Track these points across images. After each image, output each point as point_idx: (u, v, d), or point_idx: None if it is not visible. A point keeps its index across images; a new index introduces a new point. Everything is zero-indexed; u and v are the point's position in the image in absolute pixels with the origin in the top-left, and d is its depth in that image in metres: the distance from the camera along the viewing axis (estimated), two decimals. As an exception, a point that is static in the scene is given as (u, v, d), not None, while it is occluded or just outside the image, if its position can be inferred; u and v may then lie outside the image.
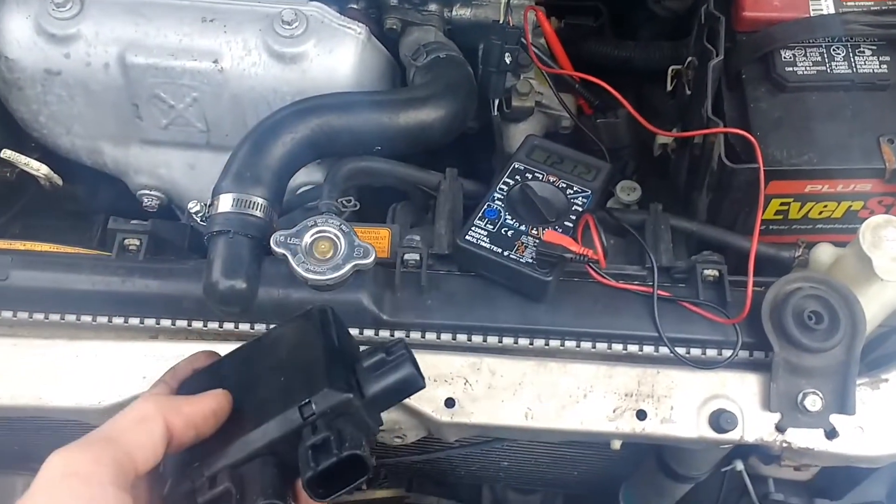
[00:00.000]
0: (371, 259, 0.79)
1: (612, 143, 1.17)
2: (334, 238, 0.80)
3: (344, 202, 0.86)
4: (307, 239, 0.80)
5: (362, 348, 0.68)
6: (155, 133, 1.08)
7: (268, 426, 0.59)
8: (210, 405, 0.61)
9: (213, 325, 0.85)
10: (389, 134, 0.91)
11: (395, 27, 1.09)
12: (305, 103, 0.90)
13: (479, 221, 0.86)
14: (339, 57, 1.01)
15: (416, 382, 0.64)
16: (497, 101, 1.05)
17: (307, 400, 0.59)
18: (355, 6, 1.10)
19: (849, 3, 0.91)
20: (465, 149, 1.14)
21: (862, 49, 0.88)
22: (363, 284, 0.83)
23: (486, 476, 1.34)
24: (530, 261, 0.83)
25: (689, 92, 0.99)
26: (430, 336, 0.85)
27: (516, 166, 0.92)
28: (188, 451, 0.60)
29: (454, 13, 1.11)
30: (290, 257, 0.79)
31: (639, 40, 1.24)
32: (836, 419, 0.81)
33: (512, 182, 0.90)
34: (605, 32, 1.26)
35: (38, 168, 1.04)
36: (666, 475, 1.01)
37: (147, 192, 1.14)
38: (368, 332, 0.85)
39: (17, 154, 1.04)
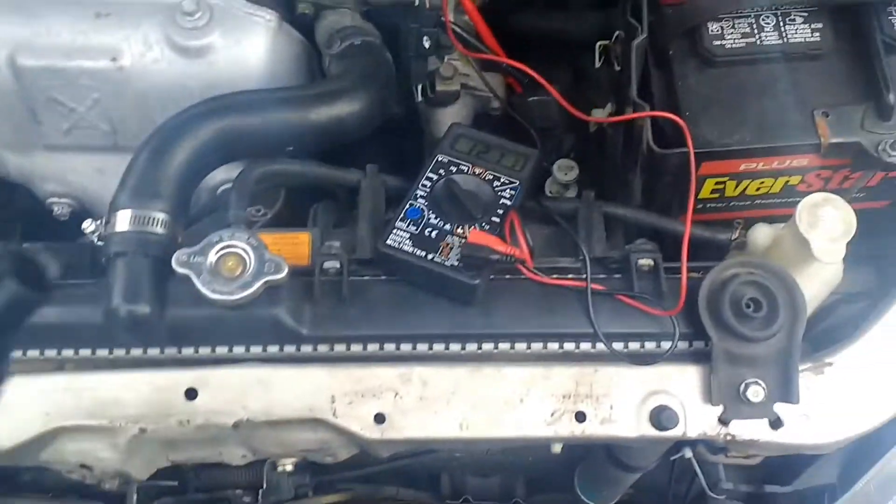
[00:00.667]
0: (283, 274, 0.74)
1: (545, 121, 1.12)
2: (242, 253, 0.75)
3: (254, 212, 0.80)
4: (212, 257, 0.74)
5: None
6: (57, 138, 1.01)
7: None
8: None
9: (120, 353, 0.79)
10: (300, 132, 0.85)
11: (307, 11, 1.02)
12: (207, 105, 0.84)
13: (400, 223, 0.81)
14: (249, 47, 0.95)
15: None
16: (420, 87, 0.99)
17: None
18: (264, -9, 1.02)
19: (779, -33, 0.86)
20: (392, 136, 1.08)
21: (793, 17, 0.84)
22: (279, 298, 0.78)
23: (442, 466, 1.31)
24: (456, 263, 0.78)
25: (618, 68, 0.95)
26: (356, 348, 0.80)
27: (440, 159, 0.87)
28: None
29: (370, -7, 1.04)
30: (194, 277, 0.73)
31: (570, 10, 1.18)
32: (780, 408, 0.78)
33: (435, 177, 0.85)
34: (535, 3, 1.20)
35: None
36: (615, 466, 0.99)
37: (56, 199, 1.08)
38: (290, 349, 0.80)
39: None
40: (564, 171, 1.04)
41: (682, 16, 0.84)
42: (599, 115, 1.04)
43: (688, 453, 0.92)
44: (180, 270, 0.73)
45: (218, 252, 0.74)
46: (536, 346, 0.81)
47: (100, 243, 0.79)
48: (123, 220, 0.77)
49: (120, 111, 0.98)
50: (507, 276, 0.83)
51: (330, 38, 0.98)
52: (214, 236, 0.75)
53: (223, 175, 0.97)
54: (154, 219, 0.77)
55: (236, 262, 0.74)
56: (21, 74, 0.95)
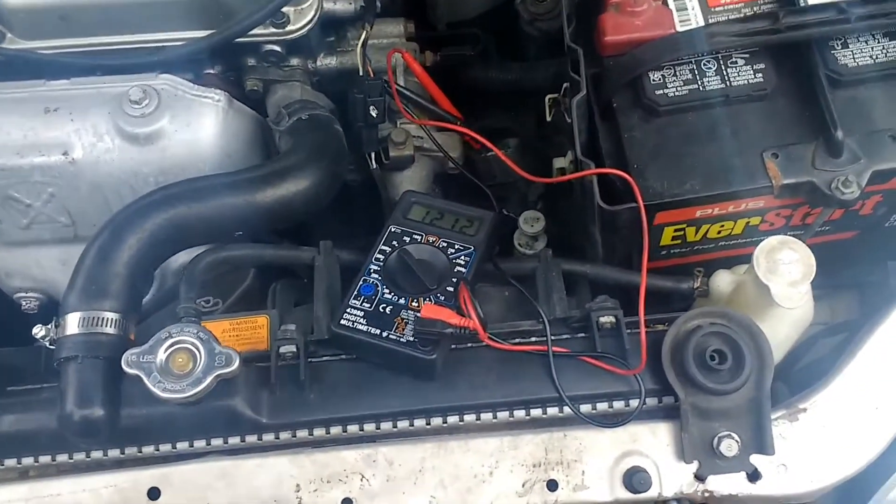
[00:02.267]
0: (234, 367, 0.73)
1: (507, 175, 1.11)
2: (192, 347, 0.73)
3: (203, 303, 0.79)
4: (161, 355, 0.73)
5: None
6: (17, 234, 1.01)
7: None
8: None
9: (80, 457, 0.78)
10: (247, 216, 0.84)
11: (256, 87, 1.02)
12: (149, 198, 0.83)
13: (354, 301, 0.80)
14: (199, 129, 0.95)
15: None
16: (374, 154, 0.99)
17: None
18: (211, 71, 1.02)
19: (718, 9, 0.86)
20: (352, 202, 1.08)
21: (734, 59, 0.83)
22: (235, 389, 0.77)
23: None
24: (411, 339, 0.77)
25: (568, 120, 0.94)
26: (319, 432, 0.78)
27: (393, 230, 0.86)
28: None
29: (319, 64, 1.04)
30: (144, 378, 0.72)
31: (524, 61, 1.18)
32: (756, 459, 0.76)
33: (388, 249, 0.84)
34: (488, 58, 1.20)
35: None
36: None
37: (24, 294, 1.07)
38: (251, 439, 0.78)
39: None
40: (531, 223, 1.03)
41: (624, 67, 0.83)
42: (560, 163, 1.03)
43: (673, 506, 0.90)
44: (130, 371, 0.72)
45: (167, 349, 0.73)
46: (503, 415, 0.79)
47: (51, 347, 0.78)
48: (73, 323, 0.76)
49: (76, 203, 0.98)
50: (469, 345, 0.81)
51: (278, 114, 0.97)
52: (163, 333, 0.74)
53: (186, 257, 0.96)
54: (103, 319, 0.76)
55: (186, 357, 0.73)
56: (-24, 175, 0.95)
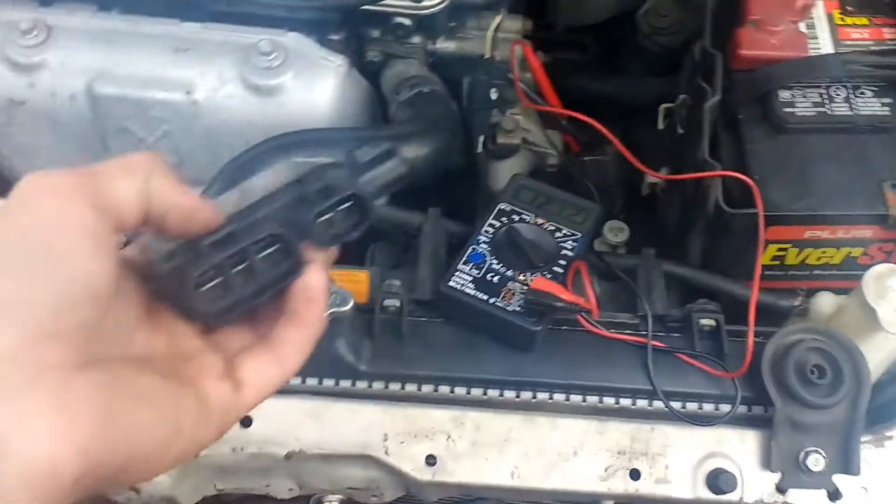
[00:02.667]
0: (349, 306, 0.74)
1: (599, 181, 1.12)
2: (309, 283, 0.75)
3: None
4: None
5: None
6: (123, 166, 1.03)
7: (271, 198, 0.51)
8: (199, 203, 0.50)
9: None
10: (368, 172, 0.86)
11: (376, 59, 1.05)
12: (279, 140, 0.86)
13: (463, 266, 0.82)
14: (319, 90, 0.97)
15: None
16: (482, 138, 1.01)
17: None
18: (335, 37, 1.05)
19: (847, 42, 0.88)
20: (446, 187, 1.09)
21: (862, 90, 0.85)
22: (339, 332, 0.78)
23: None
24: (518, 309, 0.78)
25: (681, 131, 0.96)
26: (411, 388, 0.80)
27: (502, 207, 0.88)
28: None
29: (438, 46, 1.07)
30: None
31: (628, 76, 1.20)
32: (839, 479, 0.76)
33: (498, 224, 0.86)
34: (592, 67, 1.22)
35: None
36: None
37: (119, 230, 1.09)
38: (345, 384, 0.79)
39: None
40: (615, 232, 1.04)
41: (755, 82, 0.85)
42: (653, 178, 1.05)
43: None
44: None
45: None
46: (592, 399, 0.80)
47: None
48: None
49: (188, 144, 1.00)
50: (565, 327, 0.82)
51: (398, 84, 1.00)
52: (283, 265, 0.75)
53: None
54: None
55: (303, 291, 0.74)
56: (97, 102, 0.97)
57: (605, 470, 0.78)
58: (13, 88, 0.96)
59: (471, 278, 0.81)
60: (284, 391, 0.79)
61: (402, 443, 0.77)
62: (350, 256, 0.99)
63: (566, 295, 0.77)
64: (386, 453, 0.77)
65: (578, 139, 1.10)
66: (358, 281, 0.86)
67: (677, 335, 0.83)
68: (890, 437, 0.79)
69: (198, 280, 0.48)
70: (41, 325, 0.39)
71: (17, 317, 0.38)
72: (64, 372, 0.39)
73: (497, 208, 0.88)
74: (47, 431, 0.37)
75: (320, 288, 0.51)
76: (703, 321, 0.81)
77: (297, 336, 0.50)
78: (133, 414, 0.41)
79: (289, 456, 0.75)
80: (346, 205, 0.52)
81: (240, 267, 0.49)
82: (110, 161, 0.47)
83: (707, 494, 0.77)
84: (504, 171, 1.07)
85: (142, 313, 0.48)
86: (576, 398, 0.80)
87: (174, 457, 0.44)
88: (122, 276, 0.45)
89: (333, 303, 0.74)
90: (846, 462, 0.76)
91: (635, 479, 0.77)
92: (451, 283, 0.80)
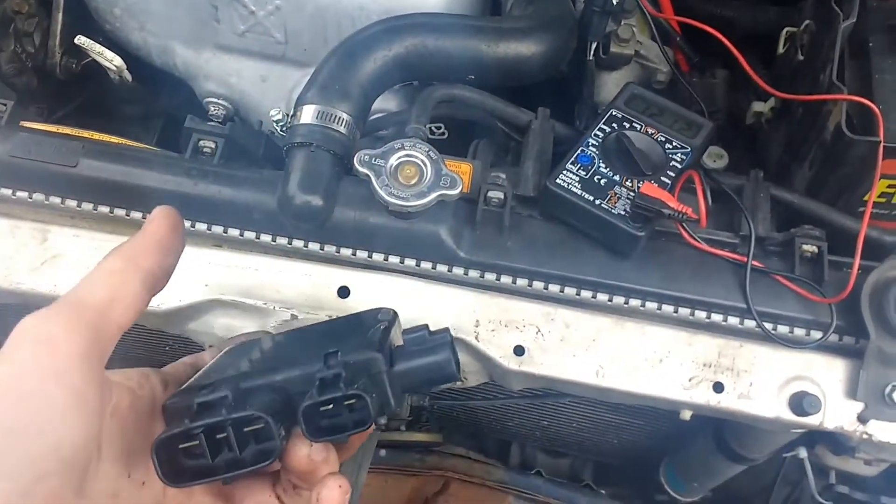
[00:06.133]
0: (458, 190, 0.75)
1: (706, 104, 1.10)
2: (421, 164, 0.76)
3: (433, 128, 0.82)
4: (393, 161, 0.75)
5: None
6: (230, 39, 1.04)
7: (287, 367, 0.54)
8: (161, 221, 0.56)
9: (282, 241, 0.81)
10: (485, 63, 0.85)
11: (493, -47, 1.03)
12: (400, 20, 0.85)
13: (571, 166, 0.82)
14: (430, -24, 0.96)
15: (448, 370, 0.56)
16: (595, 45, 0.99)
17: (335, 350, 0.54)
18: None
19: None
20: (546, 92, 1.08)
21: None
22: (443, 217, 0.79)
23: (523, 434, 1.31)
24: (623, 213, 0.78)
25: (801, 57, 0.93)
26: (506, 280, 0.81)
27: (614, 114, 0.87)
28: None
29: (558, -55, 1.04)
30: (373, 178, 0.75)
31: (744, 1, 1.16)
32: (922, 417, 0.77)
33: (608, 129, 0.85)
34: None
35: (112, 59, 1.00)
36: (723, 454, 0.98)
37: (214, 100, 1.10)
38: (441, 268, 0.81)
39: (93, 42, 1.00)
40: (714, 157, 1.02)
41: (889, 11, 0.82)
42: (759, 107, 1.03)
43: (802, 453, 0.91)
44: (361, 170, 0.75)
45: (399, 158, 0.76)
46: (684, 311, 0.81)
47: (282, 133, 0.81)
48: (309, 114, 0.79)
49: (296, 22, 1.00)
50: (663, 239, 0.83)
51: (514, -21, 0.98)
52: (396, 143, 0.76)
53: (378, 104, 0.99)
54: (338, 117, 0.79)
55: (414, 171, 0.76)
56: (210, -33, 0.98)
57: (689, 380, 0.79)
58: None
59: (578, 179, 0.81)
60: (383, 269, 0.81)
61: (493, 330, 0.79)
62: (454, 148, 1.00)
63: (674, 203, 0.76)
64: (476, 339, 0.79)
65: (690, 58, 1.08)
66: (462, 171, 0.86)
67: (776, 258, 0.82)
68: (979, 383, 0.78)
69: (168, 440, 0.49)
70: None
71: None
72: None
73: (609, 113, 0.87)
74: None
75: (335, 501, 0.51)
76: (806, 246, 0.81)
77: None
78: None
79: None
80: (351, 402, 0.51)
81: (218, 436, 0.50)
82: (91, 274, 0.51)
83: (788, 415, 0.77)
84: (611, 83, 1.05)
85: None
86: (668, 308, 0.81)
87: None
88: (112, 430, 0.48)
89: (443, 185, 0.75)
90: (933, 400, 0.76)
91: (718, 392, 0.78)
92: (558, 181, 0.80)
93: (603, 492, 1.20)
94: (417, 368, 0.56)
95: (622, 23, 1.01)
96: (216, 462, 0.51)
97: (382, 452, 1.03)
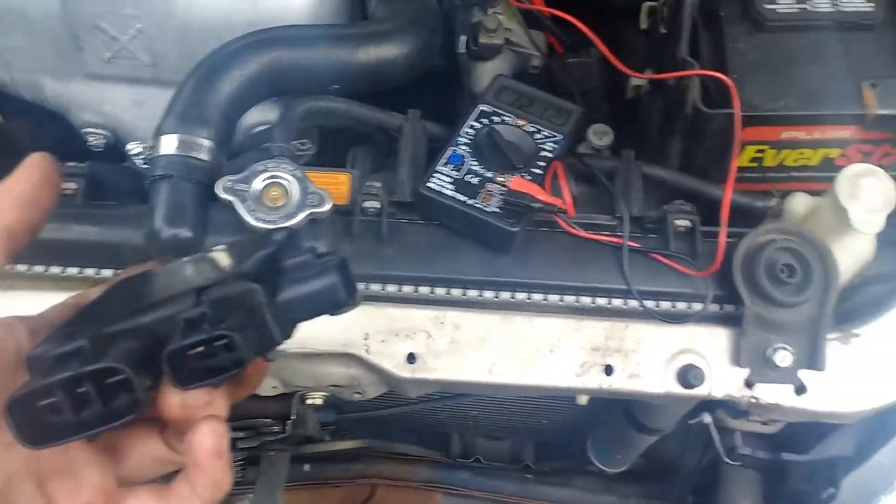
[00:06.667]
0: (327, 207, 0.75)
1: (583, 84, 1.11)
2: (287, 184, 0.75)
3: (299, 145, 0.81)
4: (257, 185, 0.75)
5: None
6: (98, 66, 1.01)
7: (154, 306, 0.48)
8: (27, 173, 0.51)
9: (159, 276, 0.79)
10: (348, 70, 0.85)
11: (354, -45, 1.02)
12: (257, 36, 0.84)
13: (442, 167, 0.82)
14: (294, -15, 0.94)
15: (337, 296, 0.51)
16: (464, 38, 0.99)
17: (206, 286, 0.48)
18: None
19: (833, -62, 0.86)
20: (427, 88, 1.08)
21: (847, -14, 0.84)
22: (319, 233, 0.79)
23: (455, 425, 1.33)
24: (496, 210, 0.79)
25: (663, 31, 0.94)
26: (391, 288, 0.81)
27: (483, 109, 0.87)
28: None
29: (418, -59, 1.04)
30: (237, 204, 0.74)
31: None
32: (805, 375, 0.79)
33: (478, 125, 0.86)
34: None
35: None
36: (633, 428, 1.00)
37: (92, 130, 1.07)
38: (325, 284, 0.80)
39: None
40: (599, 135, 1.04)
41: (736, -21, 0.84)
42: (637, 82, 1.04)
43: (706, 418, 0.94)
44: (224, 196, 0.74)
45: (263, 181, 0.75)
46: (569, 299, 0.82)
47: (144, 166, 0.79)
48: (169, 144, 0.77)
49: (161, 43, 0.98)
50: (544, 229, 0.83)
51: (377, -18, 0.97)
52: (259, 165, 0.75)
53: (258, 116, 0.97)
54: (199, 144, 0.77)
55: (280, 192, 0.75)
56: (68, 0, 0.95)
57: (581, 366, 0.80)
58: (-20, -14, 0.94)
59: (450, 180, 0.81)
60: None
61: (383, 341, 0.79)
62: (332, 159, 0.99)
63: (543, 196, 0.77)
64: (367, 352, 0.79)
65: (562, 40, 1.09)
66: (338, 183, 0.86)
67: (653, 236, 0.84)
68: (857, 335, 0.81)
69: (24, 398, 0.45)
70: None
71: None
72: None
73: (478, 109, 0.87)
74: None
75: (208, 449, 0.47)
76: (679, 222, 0.82)
77: (186, 493, 0.48)
78: None
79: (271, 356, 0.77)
80: (222, 342, 0.46)
81: (78, 390, 0.45)
82: None
83: (677, 389, 0.79)
84: (486, 73, 1.05)
85: None
86: (553, 298, 0.82)
87: None
88: None
89: (311, 203, 0.75)
90: (812, 358, 0.79)
91: (609, 375, 0.80)
92: (429, 185, 0.80)
93: (530, 477, 1.22)
94: (302, 296, 0.50)
95: (489, 12, 1.01)
96: (82, 417, 0.46)
97: (307, 467, 1.03)
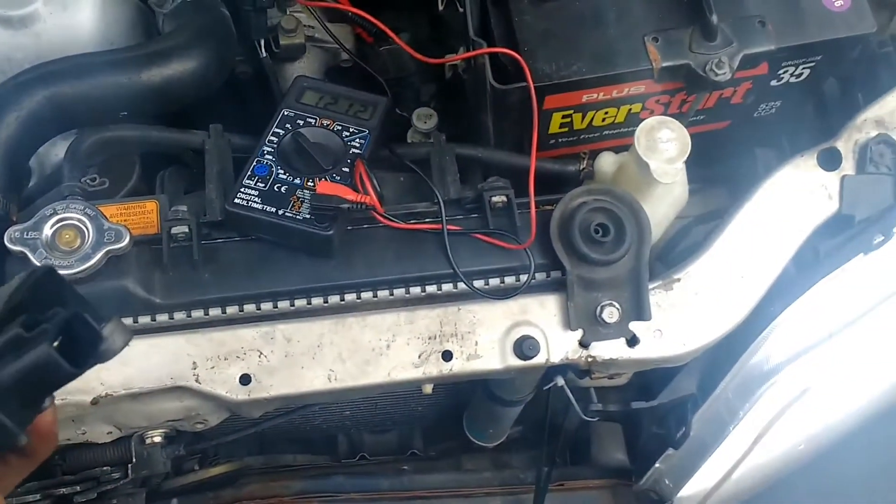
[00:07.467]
0: (125, 242, 0.72)
1: (400, 70, 1.11)
2: (79, 224, 0.72)
3: (88, 181, 0.77)
4: (47, 231, 0.71)
5: None
6: None
7: None
8: None
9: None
10: (133, 96, 0.81)
11: (136, -30, 0.97)
12: (32, 73, 0.80)
13: (248, 181, 0.79)
14: (76, 13, 0.90)
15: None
16: (263, 42, 0.97)
17: None
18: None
19: None
20: (238, 97, 1.05)
21: (618, -53, 0.86)
22: (126, 268, 0.75)
23: (336, 427, 1.31)
24: (307, 216, 0.77)
25: (461, 9, 0.94)
26: (215, 312, 0.78)
27: (286, 114, 0.85)
28: None
29: (202, -52, 1.00)
30: (29, 254, 0.70)
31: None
32: (635, 326, 0.81)
33: (282, 132, 0.84)
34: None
35: None
36: (494, 402, 1.01)
37: None
38: (144, 320, 0.77)
39: None
40: (423, 119, 1.04)
41: (514, -49, 0.84)
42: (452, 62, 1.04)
43: (560, 381, 0.95)
44: (14, 248, 0.70)
45: (53, 225, 0.71)
46: (399, 292, 0.82)
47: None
48: (-53, 202, 0.72)
49: (-59, 90, 0.91)
50: (366, 226, 0.82)
51: (162, -4, 0.93)
52: (48, 209, 0.71)
53: (61, 153, 0.92)
54: (-19, 198, 0.73)
55: (74, 234, 0.71)
56: None
57: (419, 357, 0.80)
58: None
59: (257, 192, 0.79)
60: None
61: (213, 368, 0.77)
62: (149, 182, 0.95)
63: (351, 195, 0.76)
64: (197, 381, 0.76)
65: (369, 30, 1.08)
66: (146, 211, 0.82)
67: (475, 216, 0.84)
68: (678, 280, 0.84)
69: None
70: None
71: None
72: None
73: (280, 114, 0.85)
74: None
75: None
76: (495, 199, 0.83)
77: None
78: None
79: (95, 401, 0.74)
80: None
81: None
82: None
83: (516, 362, 0.80)
84: (296, 73, 1.03)
85: None
86: (383, 293, 0.81)
87: None
88: None
89: (108, 240, 0.71)
90: (639, 309, 0.81)
91: (448, 360, 0.80)
92: (236, 201, 0.78)
93: (406, 468, 1.22)
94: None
95: (287, 12, 0.99)
96: None
97: (174, 501, 1.00)
